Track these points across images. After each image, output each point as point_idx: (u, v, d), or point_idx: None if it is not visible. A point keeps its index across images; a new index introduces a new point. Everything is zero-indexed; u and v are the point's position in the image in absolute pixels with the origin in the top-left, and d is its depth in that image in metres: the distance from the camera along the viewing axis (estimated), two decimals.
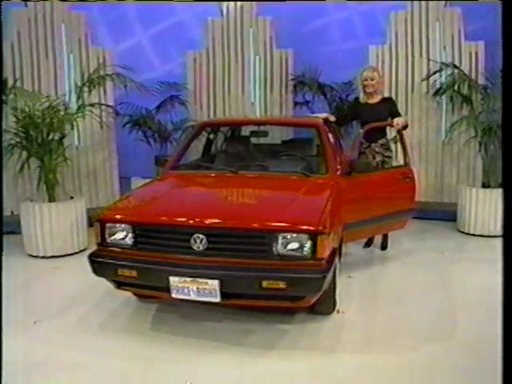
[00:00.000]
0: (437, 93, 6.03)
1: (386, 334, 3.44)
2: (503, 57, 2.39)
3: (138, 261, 3.25)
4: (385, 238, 5.16)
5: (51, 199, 5.07)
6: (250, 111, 6.99)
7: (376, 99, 4.95)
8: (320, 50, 7.92)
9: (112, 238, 3.35)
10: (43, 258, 4.97)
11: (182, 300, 3.26)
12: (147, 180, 6.35)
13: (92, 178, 6.34)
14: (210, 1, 6.89)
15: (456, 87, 5.66)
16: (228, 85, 6.95)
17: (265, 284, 3.06)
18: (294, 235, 3.08)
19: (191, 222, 3.19)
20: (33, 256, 4.99)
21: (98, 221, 3.40)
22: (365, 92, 4.95)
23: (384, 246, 5.16)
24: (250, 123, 5.16)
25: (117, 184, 6.51)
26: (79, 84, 5.56)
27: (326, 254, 3.14)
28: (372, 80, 4.86)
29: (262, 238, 3.11)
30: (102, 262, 3.35)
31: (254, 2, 6.76)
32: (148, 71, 7.30)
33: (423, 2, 6.22)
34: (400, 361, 3.12)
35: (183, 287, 3.14)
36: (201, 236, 3.13)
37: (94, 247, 5.10)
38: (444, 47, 6.21)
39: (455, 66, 5.66)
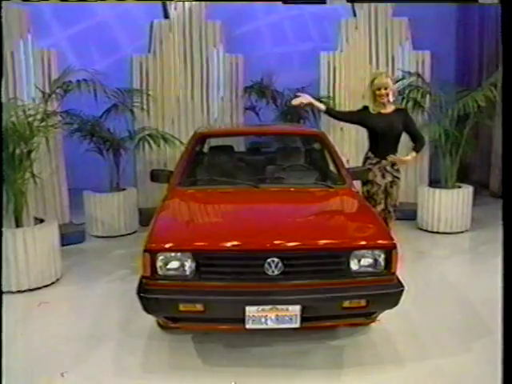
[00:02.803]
0: None
1: (435, 338, 3.54)
2: (503, 57, 2.56)
3: (206, 292, 2.95)
4: None
5: (18, 223, 4.38)
6: (200, 117, 6.73)
7: (389, 109, 4.36)
8: (253, 53, 7.92)
9: (166, 269, 3.00)
10: (18, 292, 4.27)
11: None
12: (102, 194, 5.87)
13: (39, 193, 5.59)
14: (160, 1, 6.46)
15: (412, 94, 6.02)
16: (177, 91, 6.60)
17: (346, 304, 3.00)
18: (370, 251, 3.04)
19: (265, 245, 2.97)
20: (4, 292, 4.25)
21: (148, 251, 3.01)
22: (376, 101, 4.32)
23: None
24: (250, 133, 4.95)
25: (66, 199, 5.83)
26: (42, 90, 4.85)
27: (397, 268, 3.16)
28: (386, 88, 4.24)
29: (339, 256, 3.01)
30: (159, 298, 2.97)
31: (203, 5, 6.49)
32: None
33: (372, 11, 6.50)
34: (465, 360, 3.24)
35: (260, 316, 2.93)
36: (276, 260, 2.93)
37: (71, 274, 4.68)
38: (392, 55, 6.56)
39: (418, 75, 6.02)
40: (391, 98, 4.32)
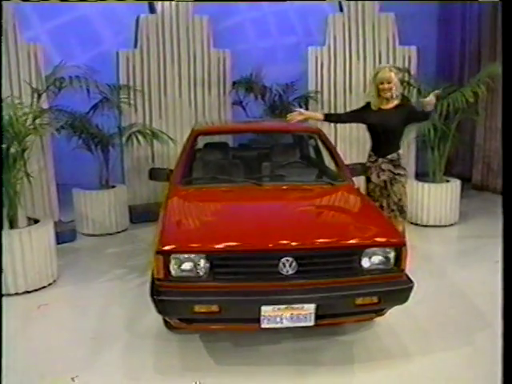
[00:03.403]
0: None
1: (437, 331, 3.61)
2: (503, 57, 2.63)
3: (221, 293, 2.95)
4: None
5: (13, 224, 4.28)
6: (188, 113, 6.68)
7: (391, 104, 4.19)
8: (237, 48, 7.86)
9: (180, 270, 2.97)
10: (16, 295, 4.16)
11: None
12: (93, 192, 5.76)
13: (27, 191, 5.43)
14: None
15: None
16: (164, 86, 6.54)
17: (359, 301, 3.04)
18: (381, 249, 3.09)
19: (280, 245, 2.99)
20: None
21: (161, 252, 2.96)
22: (379, 96, 4.17)
23: None
24: (247, 131, 4.92)
25: (55, 197, 5.67)
26: (33, 86, 4.70)
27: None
28: (389, 83, 4.08)
29: (352, 255, 3.05)
30: (174, 300, 2.95)
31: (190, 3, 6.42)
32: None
33: (359, 7, 6.55)
34: (468, 353, 3.33)
35: (276, 316, 2.95)
36: (290, 259, 2.95)
37: (67, 275, 4.60)
38: (379, 51, 6.63)
39: (407, 71, 6.10)
40: (395, 93, 4.16)
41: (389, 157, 4.28)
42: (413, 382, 3.07)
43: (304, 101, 6.66)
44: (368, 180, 4.42)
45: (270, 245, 3.00)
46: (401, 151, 4.35)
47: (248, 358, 3.30)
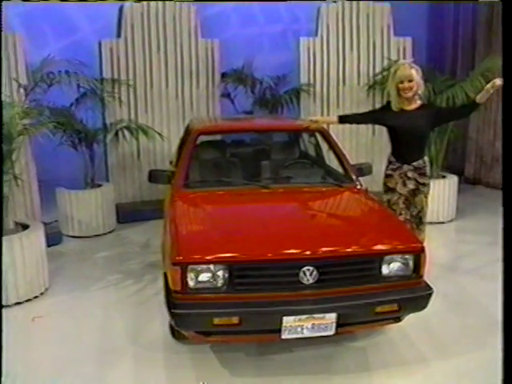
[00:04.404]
0: (371, 87, 6.30)
1: (450, 334, 3.52)
2: (503, 57, 2.54)
3: (241, 304, 2.78)
4: None
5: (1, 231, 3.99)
6: (175, 106, 6.43)
7: (413, 105, 3.78)
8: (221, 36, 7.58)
9: (198, 281, 2.79)
10: (7, 307, 3.84)
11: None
12: (78, 192, 5.46)
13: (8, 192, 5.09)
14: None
15: None
16: (150, 78, 6.26)
17: (379, 309, 2.94)
18: (400, 255, 2.97)
19: (301, 254, 2.84)
20: None
21: (178, 264, 2.77)
22: (400, 96, 3.73)
23: None
24: (250, 130, 4.70)
25: (37, 198, 5.32)
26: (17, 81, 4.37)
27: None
28: (410, 81, 3.65)
29: (372, 262, 2.94)
30: (193, 313, 2.77)
31: None
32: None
33: None
34: (486, 356, 3.19)
35: (297, 326, 2.81)
36: (311, 268, 2.81)
37: (58, 282, 4.33)
38: (373, 41, 6.50)
39: None
40: (418, 92, 3.75)
41: (414, 164, 3.86)
42: None
43: (295, 93, 6.48)
44: (386, 191, 3.99)
45: (293, 254, 2.85)
46: (426, 158, 3.95)
47: (262, 368, 3.16)
